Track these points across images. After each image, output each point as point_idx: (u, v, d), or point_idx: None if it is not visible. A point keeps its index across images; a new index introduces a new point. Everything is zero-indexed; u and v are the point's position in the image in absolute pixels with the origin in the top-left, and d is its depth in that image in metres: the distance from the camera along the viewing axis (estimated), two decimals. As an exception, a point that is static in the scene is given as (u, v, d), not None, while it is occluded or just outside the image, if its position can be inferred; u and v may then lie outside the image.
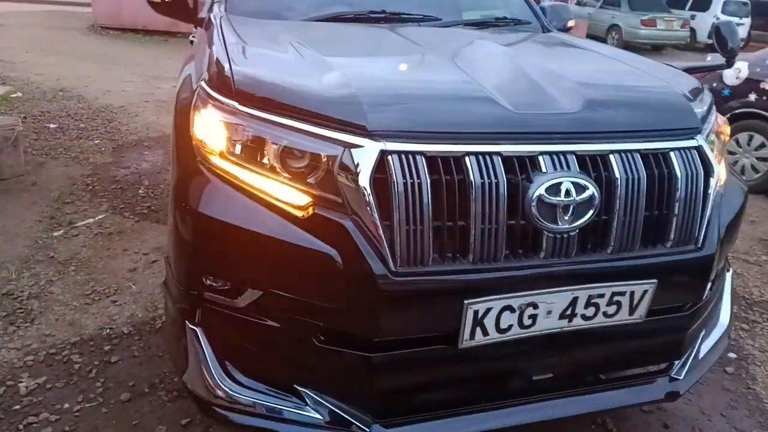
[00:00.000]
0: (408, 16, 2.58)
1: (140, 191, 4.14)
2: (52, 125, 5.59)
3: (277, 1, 2.61)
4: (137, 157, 4.92)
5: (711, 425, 2.21)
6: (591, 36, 15.22)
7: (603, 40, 16.06)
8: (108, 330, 2.53)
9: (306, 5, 2.57)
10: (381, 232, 1.36)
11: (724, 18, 16.23)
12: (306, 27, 2.31)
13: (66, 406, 2.08)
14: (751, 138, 4.90)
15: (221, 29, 1.97)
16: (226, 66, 1.60)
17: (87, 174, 4.40)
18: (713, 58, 4.98)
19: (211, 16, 2.32)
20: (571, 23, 3.22)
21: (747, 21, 16.69)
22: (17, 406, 2.06)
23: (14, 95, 6.61)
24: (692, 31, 16.33)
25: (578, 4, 18.16)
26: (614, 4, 16.54)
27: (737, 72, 4.78)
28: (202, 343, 1.58)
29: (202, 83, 1.66)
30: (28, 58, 9.18)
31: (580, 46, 2.43)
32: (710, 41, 16.18)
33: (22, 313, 2.61)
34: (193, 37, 3.56)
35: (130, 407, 2.10)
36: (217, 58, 1.69)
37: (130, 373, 2.27)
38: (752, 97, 4.81)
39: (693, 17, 16.63)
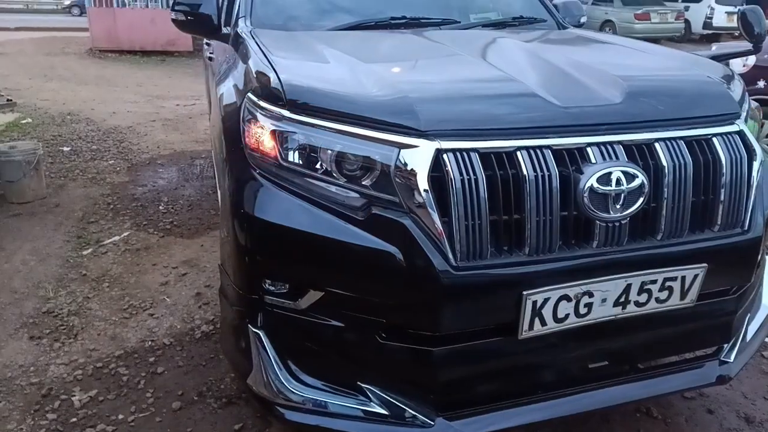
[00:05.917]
0: (428, 20, 2.63)
1: (161, 207, 4.18)
2: (65, 148, 5.65)
3: (301, 12, 2.65)
4: (153, 174, 4.96)
5: (755, 408, 2.23)
6: (586, 33, 15.26)
7: (598, 37, 16.11)
8: (150, 342, 2.56)
9: (329, 16, 2.62)
10: (440, 228, 1.40)
11: (718, 8, 16.27)
12: (334, 36, 2.36)
13: (120, 417, 2.11)
14: (761, 125, 4.93)
15: (256, 42, 2.01)
16: (272, 76, 1.63)
17: (107, 193, 4.44)
18: (718, 48, 5.03)
19: (238, 30, 2.36)
20: (583, 19, 3.27)
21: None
22: (74, 419, 2.09)
23: (24, 121, 6.67)
24: (687, 22, 16.35)
25: (570, 1, 18.22)
26: (606, 0, 16.59)
27: (744, 60, 4.82)
28: (266, 345, 1.61)
29: (250, 95, 1.69)
30: (31, 84, 9.27)
31: (602, 40, 2.48)
32: (706, 32, 16.24)
33: (64, 329, 2.64)
34: (211, 53, 3.61)
35: (183, 415, 2.13)
36: (260, 70, 1.73)
37: (177, 382, 2.30)
38: (761, 84, 4.85)
39: (687, 8, 16.64)
